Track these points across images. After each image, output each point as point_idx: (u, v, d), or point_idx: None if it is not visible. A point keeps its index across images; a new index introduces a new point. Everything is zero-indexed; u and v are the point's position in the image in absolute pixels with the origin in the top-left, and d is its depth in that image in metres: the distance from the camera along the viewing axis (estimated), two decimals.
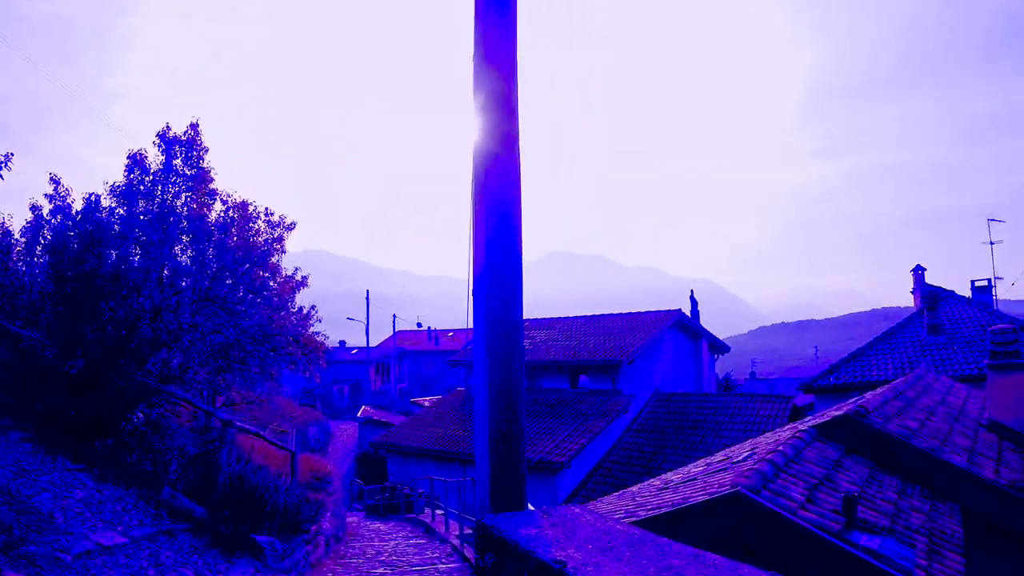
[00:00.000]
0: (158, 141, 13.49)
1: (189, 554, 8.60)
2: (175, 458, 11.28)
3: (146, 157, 13.44)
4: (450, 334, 76.41)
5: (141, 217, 13.01)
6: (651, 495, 10.60)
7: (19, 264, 14.75)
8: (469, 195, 4.90)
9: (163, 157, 13.44)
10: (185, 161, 13.58)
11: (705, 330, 37.15)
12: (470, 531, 15.74)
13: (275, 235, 14.28)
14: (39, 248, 13.61)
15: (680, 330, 35.36)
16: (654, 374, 31.92)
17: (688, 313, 36.40)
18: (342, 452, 44.44)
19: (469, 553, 13.03)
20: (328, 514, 13.06)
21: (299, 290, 15.15)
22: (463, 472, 27.07)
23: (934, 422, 12.61)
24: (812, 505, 7.76)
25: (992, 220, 35.08)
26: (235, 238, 13.87)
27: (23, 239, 14.22)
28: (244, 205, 14.21)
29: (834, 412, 13.01)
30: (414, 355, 72.60)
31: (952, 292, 29.89)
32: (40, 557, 6.79)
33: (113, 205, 13.15)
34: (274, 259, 14.44)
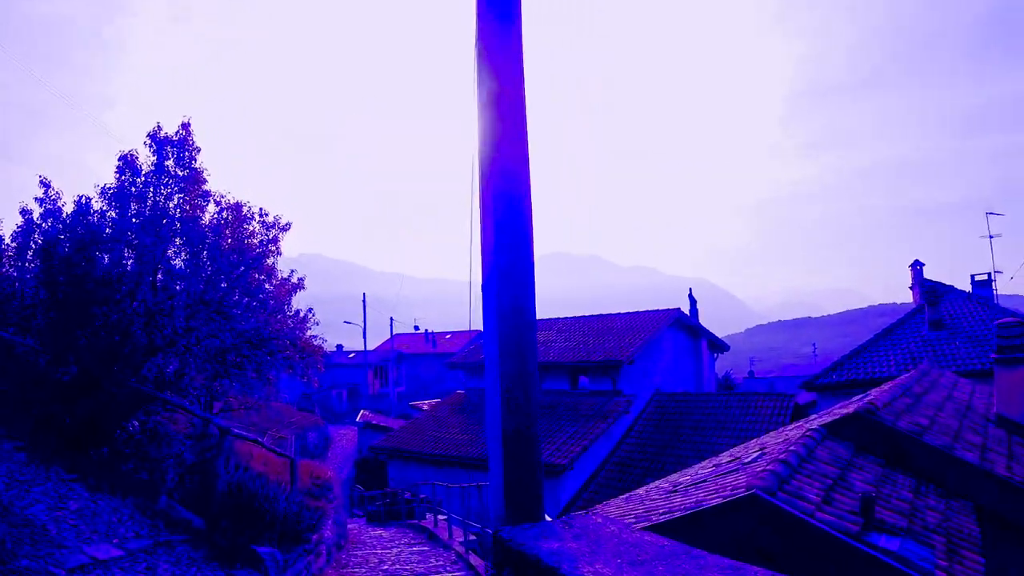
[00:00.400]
0: (149, 142, 13.25)
1: (187, 567, 8.32)
2: (172, 467, 11.01)
3: (137, 158, 13.20)
4: (448, 336, 76.21)
5: (133, 220, 12.77)
6: (661, 498, 10.37)
7: (10, 270, 14.50)
8: (475, 185, 4.67)
9: (155, 158, 13.19)
10: (177, 162, 13.34)
11: (705, 328, 36.96)
12: (474, 537, 15.50)
13: (270, 236, 14.04)
14: (30, 253, 13.37)
15: (680, 329, 35.16)
16: (654, 374, 31.71)
17: (687, 312, 36.16)
18: (341, 457, 44.26)
19: (474, 560, 12.78)
20: (329, 522, 12.79)
21: (295, 293, 14.91)
22: (465, 476, 26.84)
23: (943, 418, 12.40)
24: (828, 506, 7.55)
25: (991, 213, 34.91)
26: (229, 240, 13.64)
27: (13, 244, 13.98)
28: (238, 206, 13.97)
29: (840, 410, 12.82)
30: (412, 358, 72.41)
31: (952, 287, 29.71)
32: (32, 573, 6.53)
33: (104, 208, 12.90)
34: (269, 261, 14.21)
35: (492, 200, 4.44)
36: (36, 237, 13.05)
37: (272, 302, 13.97)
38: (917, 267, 31.39)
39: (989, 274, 31.07)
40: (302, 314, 14.83)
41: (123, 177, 13.14)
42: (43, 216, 12.93)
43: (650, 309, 36.24)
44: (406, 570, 12.48)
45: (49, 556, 7.11)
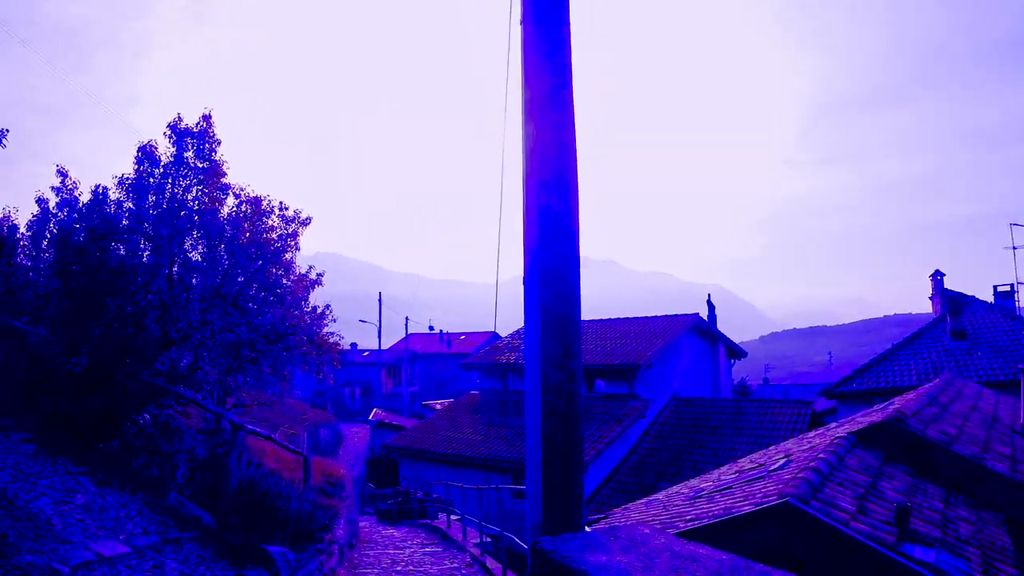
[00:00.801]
0: (169, 132, 13.08)
1: (196, 565, 8.09)
2: (183, 462, 10.78)
3: (156, 149, 13.03)
4: (462, 337, 75.97)
5: (151, 211, 12.60)
6: (684, 504, 10.13)
7: (24, 259, 14.34)
8: (510, 184, 4.42)
9: (174, 149, 13.03)
10: (197, 153, 13.18)
11: (723, 334, 36.64)
12: (488, 539, 15.22)
13: (289, 230, 13.84)
14: (44, 242, 13.22)
15: (698, 334, 34.86)
16: (671, 379, 31.42)
17: (705, 317, 35.84)
18: (353, 455, 44.10)
19: (490, 564, 12.48)
20: (342, 521, 12.55)
21: (313, 289, 14.71)
22: (478, 477, 26.62)
23: (970, 428, 12.14)
24: (863, 516, 7.29)
25: (1015, 225, 34.42)
26: (248, 234, 13.46)
27: (28, 233, 13.83)
28: (257, 200, 13.79)
29: (864, 418, 12.62)
30: (426, 358, 72.19)
31: (974, 297, 29.30)
32: (35, 569, 6.30)
33: (121, 198, 12.74)
34: (288, 256, 14.01)
35: (536, 192, 4.19)
36: (51, 227, 12.91)
37: (289, 297, 13.77)
38: (938, 277, 30.96)
39: (1012, 285, 30.62)
40: (319, 310, 14.62)
41: (141, 168, 12.98)
42: (59, 205, 12.78)
43: (668, 314, 35.91)
44: (419, 572, 12.22)
45: (53, 552, 6.89)
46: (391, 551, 14.87)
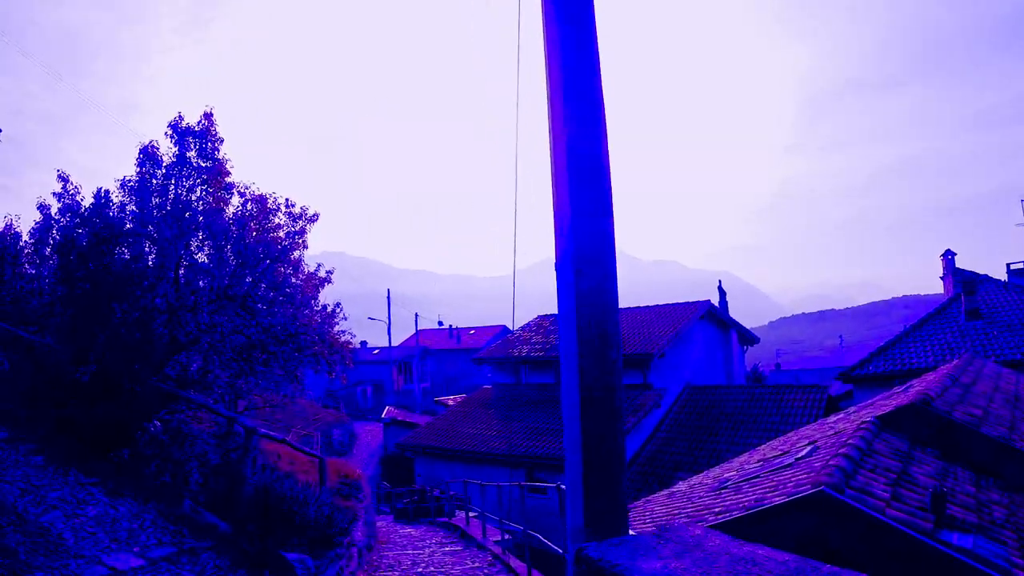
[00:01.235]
0: (170, 132, 12.85)
1: (213, 575, 7.85)
2: (196, 468, 10.53)
3: (158, 150, 12.80)
4: (471, 332, 75.88)
5: (155, 213, 12.36)
6: (710, 496, 9.87)
7: (28, 268, 14.14)
8: (547, 149, 4.11)
9: (176, 149, 12.80)
10: (200, 153, 12.95)
11: (735, 321, 36.33)
12: (509, 536, 14.96)
13: (297, 228, 13.60)
14: (48, 249, 12.99)
15: (710, 321, 34.57)
16: (685, 367, 31.13)
17: (716, 304, 35.53)
18: (367, 454, 43.96)
19: (514, 563, 12.20)
20: (360, 523, 12.31)
21: (323, 287, 14.47)
22: (495, 473, 26.41)
23: (995, 409, 11.87)
24: (897, 502, 7.02)
25: None
26: (255, 233, 13.23)
27: (32, 241, 13.62)
28: (263, 199, 13.55)
29: (885, 401, 12.40)
30: (436, 354, 72.09)
31: (987, 276, 28.93)
32: None
33: (124, 201, 12.51)
34: (296, 254, 13.79)
35: (566, 169, 3.90)
36: (54, 233, 12.67)
37: (299, 296, 13.53)
38: (948, 257, 30.60)
39: None
40: (330, 308, 14.38)
41: (143, 169, 12.76)
42: (61, 211, 12.53)
43: (680, 302, 35.60)
44: (441, 573, 11.95)
45: (65, 567, 6.67)
46: (410, 551, 14.62)
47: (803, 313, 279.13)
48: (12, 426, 10.12)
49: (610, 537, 3.27)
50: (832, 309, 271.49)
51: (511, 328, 38.04)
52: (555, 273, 3.99)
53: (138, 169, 12.75)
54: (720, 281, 40.33)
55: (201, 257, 12.95)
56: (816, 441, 10.72)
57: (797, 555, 2.70)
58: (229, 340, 12.40)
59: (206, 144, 12.97)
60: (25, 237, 14.08)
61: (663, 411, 28.33)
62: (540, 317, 38.63)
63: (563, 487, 8.93)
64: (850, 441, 8.76)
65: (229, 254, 12.87)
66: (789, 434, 15.88)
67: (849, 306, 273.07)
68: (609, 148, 4.00)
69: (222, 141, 13.20)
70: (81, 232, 11.68)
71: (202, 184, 13.00)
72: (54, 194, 12.61)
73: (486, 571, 12.05)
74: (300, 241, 13.70)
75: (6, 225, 16.18)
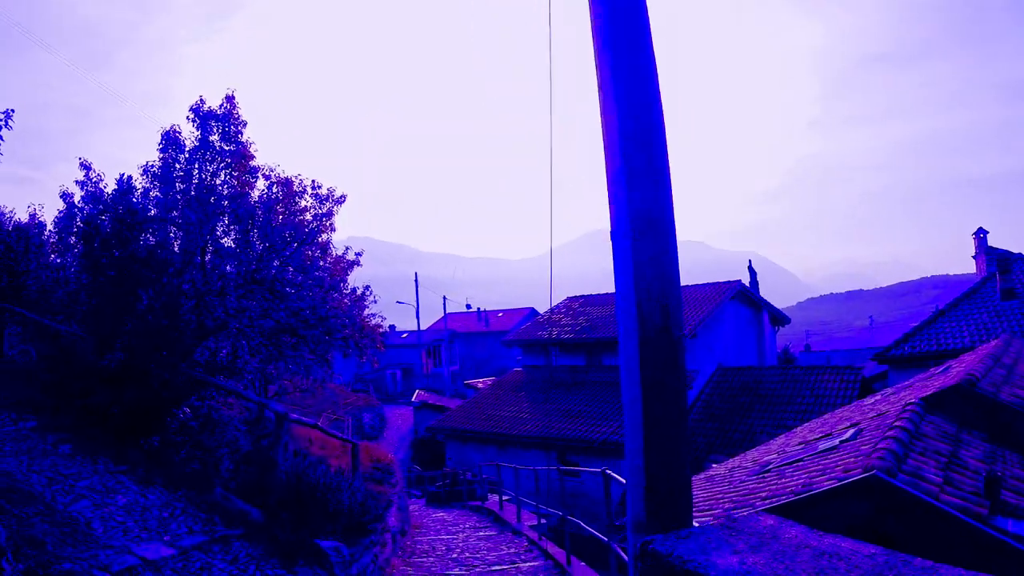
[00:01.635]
0: (192, 116, 12.68)
1: (245, 564, 7.65)
2: (227, 455, 10.39)
3: (180, 134, 12.64)
4: (500, 315, 75.65)
5: (178, 197, 12.20)
6: (753, 480, 9.62)
7: (53, 257, 14.05)
8: (598, 115, 3.82)
9: (198, 133, 12.64)
10: (223, 136, 12.78)
11: (766, 301, 35.89)
12: (544, 521, 14.73)
13: (324, 209, 13.43)
14: (72, 238, 12.88)
15: (741, 302, 34.15)
16: (716, 348, 30.78)
17: (747, 284, 35.08)
18: (397, 438, 43.91)
19: (551, 549, 11.92)
20: (394, 508, 12.12)
21: (351, 270, 14.30)
22: (525, 456, 26.24)
23: None
24: (950, 487, 6.77)
25: None
26: (281, 216, 13.05)
27: (55, 230, 13.52)
28: (288, 181, 13.38)
29: (923, 382, 12.25)
30: (465, 337, 71.92)
31: (1021, 255, 28.32)
32: None
33: (147, 186, 12.38)
34: (323, 237, 13.63)
35: (617, 119, 3.62)
36: (78, 221, 12.54)
37: (328, 279, 13.35)
38: (981, 235, 29.94)
39: None
40: (359, 291, 14.20)
41: (166, 154, 12.62)
42: (84, 199, 12.41)
43: (710, 282, 35.18)
44: (477, 559, 11.72)
45: (93, 558, 6.48)
46: (444, 536, 14.44)
47: (831, 293, 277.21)
48: (40, 415, 10.00)
49: (675, 529, 3.03)
50: (860, 289, 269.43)
51: (539, 311, 37.74)
52: (610, 243, 3.71)
53: (161, 154, 12.61)
54: (750, 261, 39.87)
55: (227, 241, 12.81)
56: (859, 423, 10.50)
57: (883, 547, 2.46)
58: (258, 324, 12.25)
59: (229, 127, 12.81)
60: (49, 227, 13.98)
61: (695, 393, 28.05)
62: (569, 299, 38.37)
63: (608, 472, 8.65)
64: (897, 423, 8.52)
65: (255, 238, 12.72)
66: (826, 416, 15.64)
67: (878, 286, 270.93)
68: (663, 101, 3.72)
69: (245, 124, 13.03)
70: (104, 219, 11.53)
71: (226, 168, 12.84)
72: (77, 182, 12.49)
73: (523, 557, 11.80)
74: (327, 223, 13.53)
75: (30, 215, 16.11)
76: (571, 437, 25.80)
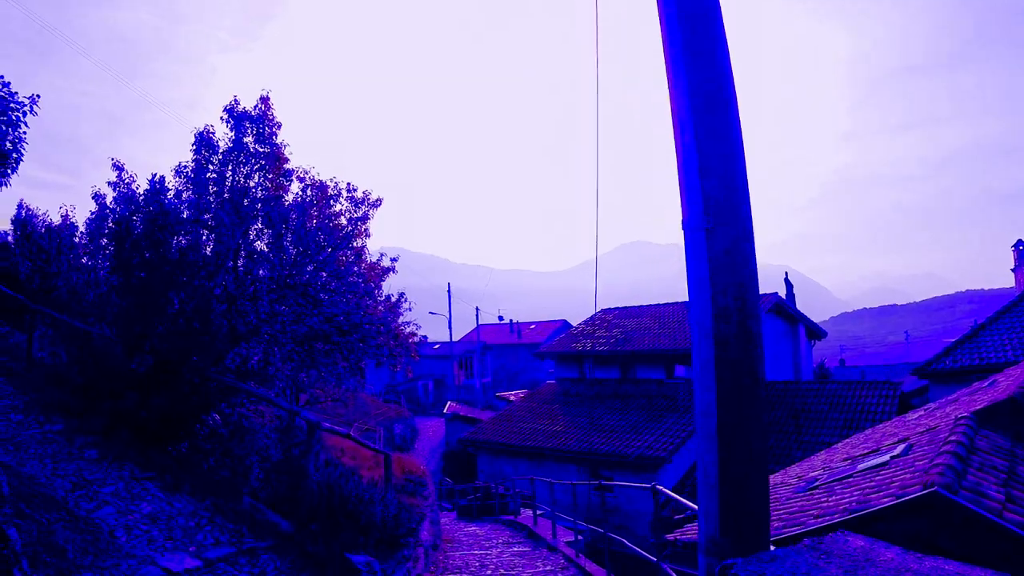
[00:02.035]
0: (226, 116, 12.47)
1: None
2: (256, 464, 10.11)
3: (214, 135, 12.42)
4: (532, 326, 75.38)
5: (211, 199, 11.97)
6: (799, 496, 9.25)
7: (84, 259, 13.90)
8: (666, 98, 3.47)
9: (232, 134, 12.42)
10: (257, 138, 12.55)
11: (802, 315, 35.32)
12: (581, 537, 14.34)
13: (359, 213, 13.16)
14: (104, 240, 12.69)
15: (777, 315, 33.57)
16: None
17: (783, 297, 34.53)
18: (428, 449, 43.72)
19: (588, 566, 11.52)
20: (426, 522, 11.79)
21: (386, 277, 14.03)
22: (558, 470, 25.91)
23: None
24: (1012, 504, 6.38)
25: None
26: (315, 219, 12.79)
27: (87, 232, 13.37)
28: (323, 185, 13.16)
29: (969, 396, 11.87)
30: (497, 349, 71.71)
31: None
32: None
33: (180, 187, 12.15)
34: (358, 242, 13.34)
35: (688, 103, 3.29)
36: (109, 223, 12.34)
37: (362, 285, 13.07)
38: (1020, 248, 29.31)
39: None
40: (394, 298, 13.92)
41: (199, 155, 12.40)
42: (116, 200, 12.18)
43: None
44: (511, 575, 11.36)
45: (115, 567, 6.22)
46: (477, 551, 14.10)
47: (864, 308, 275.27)
48: (67, 418, 9.81)
49: (754, 551, 2.67)
50: (893, 304, 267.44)
51: (572, 323, 37.33)
52: (682, 233, 3.35)
53: (194, 155, 12.41)
54: (786, 273, 39.38)
55: (260, 245, 12.58)
56: (907, 438, 10.14)
57: (993, 570, 2.12)
58: (290, 330, 11.98)
59: (263, 129, 12.59)
60: (81, 228, 13.82)
61: None
62: (603, 311, 38.03)
63: (658, 487, 8.25)
64: (952, 438, 8.16)
65: (289, 242, 12.49)
66: (868, 431, 15.30)
67: (911, 301, 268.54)
68: (736, 84, 3.37)
69: (280, 126, 12.81)
70: (136, 219, 11.33)
71: (260, 170, 12.62)
72: (109, 183, 12.29)
73: (559, 575, 11.42)
74: (363, 228, 13.27)
75: (62, 216, 15.98)
76: (605, 451, 25.44)
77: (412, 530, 10.01)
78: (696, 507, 6.11)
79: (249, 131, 12.51)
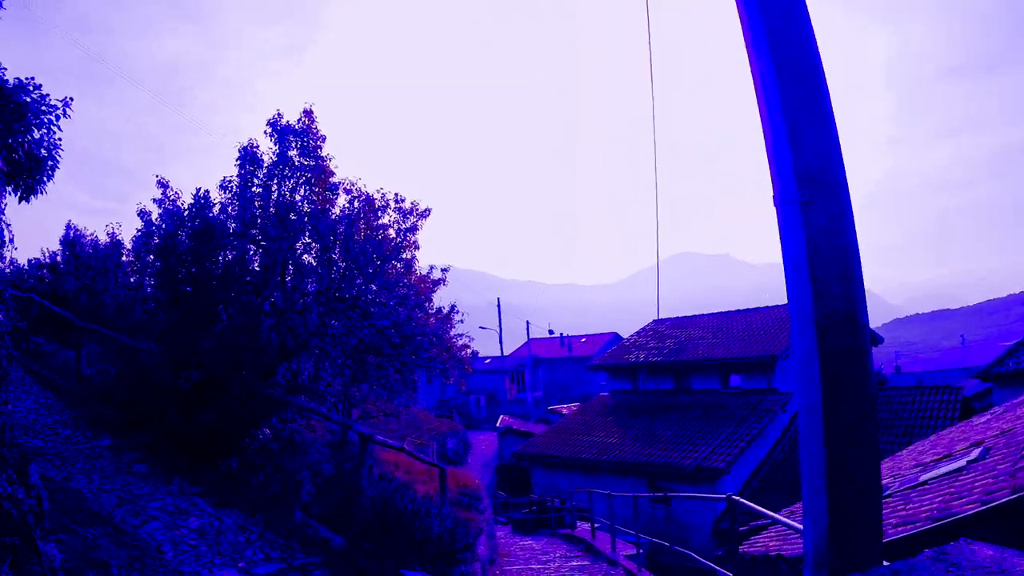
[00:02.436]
0: (269, 130, 12.36)
1: None
2: (308, 478, 9.91)
3: (258, 149, 12.31)
4: (583, 340, 74.93)
5: (257, 213, 11.85)
6: None
7: (131, 277, 13.90)
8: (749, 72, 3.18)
9: (276, 148, 12.30)
10: (301, 152, 12.43)
11: None
12: (642, 551, 13.91)
13: (407, 224, 13.00)
14: (151, 256, 12.65)
15: None
16: None
17: None
18: (482, 463, 43.48)
19: None
20: (483, 536, 11.50)
21: (436, 288, 13.84)
22: (613, 482, 25.50)
23: None
24: None
25: None
26: (363, 231, 12.62)
27: (132, 248, 13.35)
28: (370, 198, 12.99)
29: None
30: (548, 363, 71.37)
31: None
32: None
33: (225, 201, 12.03)
34: (407, 254, 13.16)
35: (773, 67, 2.99)
36: (155, 239, 12.27)
37: (413, 297, 12.87)
38: None
39: None
40: (445, 311, 13.71)
41: (244, 170, 12.30)
42: (162, 216, 12.10)
43: None
44: None
45: None
46: (534, 565, 13.78)
47: (916, 314, 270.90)
48: (115, 433, 9.74)
49: (868, 565, 2.36)
50: (946, 309, 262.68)
51: (622, 335, 36.86)
52: (774, 211, 3.04)
53: (239, 170, 12.31)
54: None
55: (308, 259, 12.45)
56: (982, 442, 9.77)
57: None
58: (340, 342, 11.80)
59: (307, 142, 12.47)
60: (127, 246, 13.80)
61: (788, 416, 26.98)
62: (655, 322, 37.58)
63: (734, 497, 7.82)
64: None
65: (337, 255, 12.34)
66: (932, 437, 14.92)
67: (964, 305, 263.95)
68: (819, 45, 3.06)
69: (324, 139, 12.69)
70: (181, 235, 11.24)
71: (305, 183, 12.51)
72: (154, 200, 12.21)
73: None
74: (412, 239, 13.11)
75: (109, 235, 16.01)
76: (661, 463, 25.00)
77: (469, 545, 9.73)
78: (773, 515, 5.79)
79: (293, 144, 12.40)
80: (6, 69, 7.45)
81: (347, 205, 12.96)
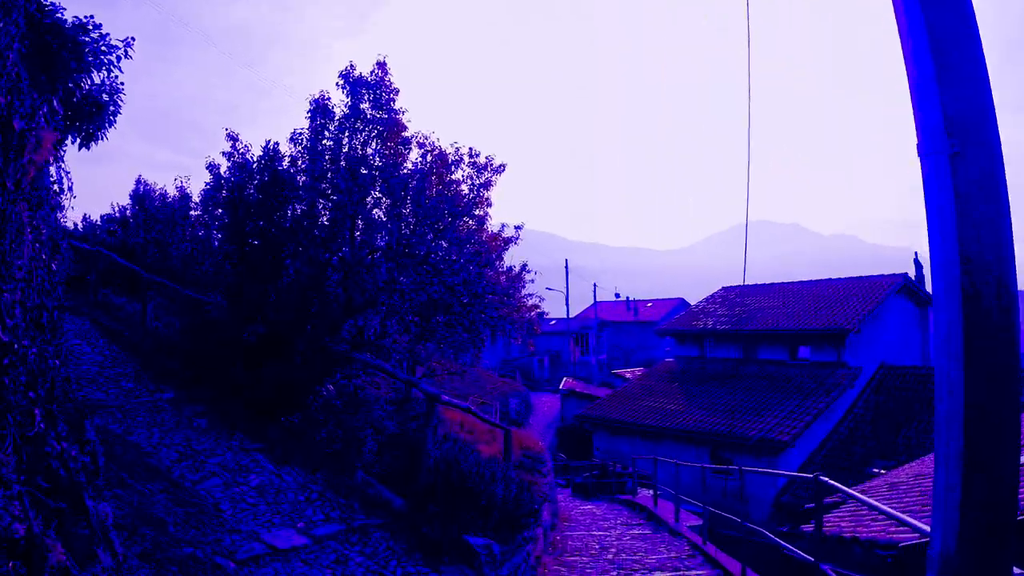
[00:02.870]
0: (341, 82, 12.16)
1: (385, 560, 6.91)
2: (371, 437, 9.74)
3: (329, 101, 12.12)
4: (649, 304, 74.22)
5: (327, 166, 11.64)
6: None
7: (198, 230, 13.84)
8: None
9: (348, 100, 12.10)
10: (373, 104, 12.21)
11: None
12: (700, 521, 13.53)
13: (481, 180, 12.76)
14: (218, 209, 12.55)
15: (906, 297, 31.84)
16: (878, 345, 28.65)
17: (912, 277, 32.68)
18: (543, 424, 43.35)
19: (720, 557, 10.67)
20: (546, 502, 11.26)
21: (508, 247, 13.56)
22: (677, 450, 25.12)
23: None
24: None
25: None
26: (435, 187, 12.39)
27: (200, 202, 13.28)
28: (443, 153, 12.72)
29: None
30: (613, 326, 70.84)
31: None
32: (195, 563, 5.23)
33: (295, 153, 11.86)
34: (479, 211, 12.89)
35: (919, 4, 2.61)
36: (223, 192, 12.16)
37: (484, 255, 12.59)
38: None
39: None
40: (516, 270, 13.43)
41: (315, 122, 12.12)
42: (230, 169, 11.98)
43: (872, 274, 33.05)
44: (634, 561, 10.71)
45: (217, 543, 5.87)
46: (596, 532, 13.50)
47: None
48: (178, 387, 9.67)
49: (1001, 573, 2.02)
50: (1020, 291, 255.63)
51: (688, 301, 36.20)
52: (918, 161, 2.68)
53: (309, 123, 12.12)
54: (916, 253, 37.36)
55: (378, 213, 12.28)
56: None
57: None
58: (408, 299, 11.60)
59: (380, 95, 12.23)
60: (195, 199, 13.74)
61: (856, 392, 26.24)
62: (724, 289, 36.91)
63: (822, 478, 7.21)
64: None
65: (407, 210, 12.11)
66: None
67: None
68: None
69: (397, 92, 12.44)
70: (250, 187, 11.10)
71: (377, 137, 12.31)
72: (223, 153, 12.10)
73: (686, 564, 10.66)
74: (485, 196, 12.86)
75: (178, 188, 16.04)
76: (724, 433, 24.52)
77: (535, 511, 9.42)
78: (870, 501, 5.42)
79: (366, 97, 12.17)
80: (65, 9, 7.28)
81: (419, 159, 12.75)
